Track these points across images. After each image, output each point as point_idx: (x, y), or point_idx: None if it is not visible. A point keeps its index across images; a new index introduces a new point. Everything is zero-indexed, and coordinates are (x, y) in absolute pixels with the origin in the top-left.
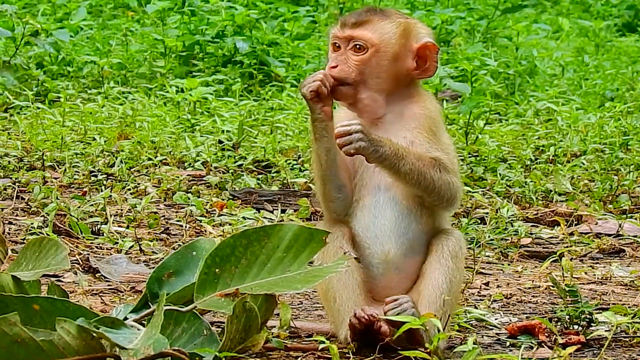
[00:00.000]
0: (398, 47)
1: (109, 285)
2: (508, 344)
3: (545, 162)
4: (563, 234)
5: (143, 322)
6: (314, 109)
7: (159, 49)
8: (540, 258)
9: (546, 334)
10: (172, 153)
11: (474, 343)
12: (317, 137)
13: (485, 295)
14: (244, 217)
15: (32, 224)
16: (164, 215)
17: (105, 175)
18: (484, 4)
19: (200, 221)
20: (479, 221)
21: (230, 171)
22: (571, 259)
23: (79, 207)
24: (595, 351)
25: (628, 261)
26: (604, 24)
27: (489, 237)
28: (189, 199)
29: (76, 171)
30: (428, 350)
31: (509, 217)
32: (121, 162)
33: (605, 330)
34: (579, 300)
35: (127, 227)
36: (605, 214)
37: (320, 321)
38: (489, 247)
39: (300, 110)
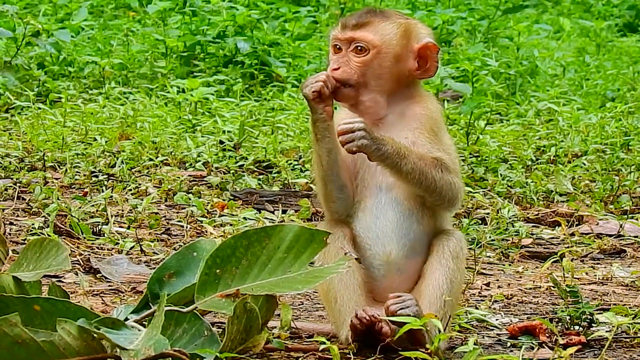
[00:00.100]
0: (399, 48)
1: (109, 285)
2: (509, 344)
3: (546, 162)
4: (564, 234)
5: (144, 322)
6: (315, 110)
7: (160, 49)
8: (541, 258)
9: (547, 335)
10: (173, 153)
11: (474, 344)
12: (318, 137)
13: (486, 296)
14: (245, 218)
15: (33, 224)
16: (164, 216)
17: (106, 176)
18: (485, 4)
19: (201, 222)
20: (480, 221)
21: (231, 172)
22: (572, 260)
23: (80, 207)
24: (596, 352)
25: (629, 262)
26: (605, 24)
27: (489, 237)
28: (190, 199)
29: (77, 172)
30: (429, 351)
31: (509, 218)
32: (122, 162)
33: (606, 331)
34: (580, 300)
35: (128, 228)
36: (606, 215)
37: (321, 322)
38: (489, 247)
39: (302, 110)
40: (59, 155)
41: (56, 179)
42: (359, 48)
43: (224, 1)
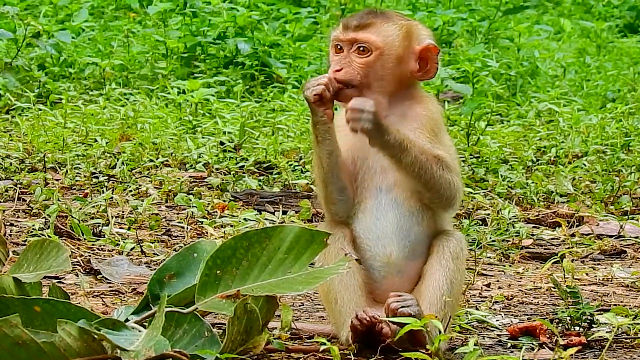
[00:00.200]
0: (402, 50)
1: (110, 286)
2: (509, 345)
3: (546, 163)
4: (564, 235)
5: (144, 323)
6: (316, 112)
7: (160, 50)
8: (542, 259)
9: (547, 335)
10: (173, 154)
11: (475, 344)
12: (319, 140)
13: (486, 297)
14: (245, 219)
15: (33, 225)
16: (165, 217)
17: (107, 177)
18: (486, 5)
19: (202, 223)
20: (481, 222)
21: (231, 173)
22: (572, 260)
23: (80, 208)
24: (596, 352)
25: (629, 262)
26: (605, 25)
27: (490, 238)
28: (190, 200)
29: (77, 173)
30: (429, 352)
31: (510, 219)
32: (122, 163)
33: (607, 332)
34: (580, 301)
35: (129, 229)
36: (607, 215)
37: (321, 322)
38: (490, 248)
39: (302, 111)
40: (60, 156)
41: (57, 180)
42: (361, 49)
43: (224, 2)
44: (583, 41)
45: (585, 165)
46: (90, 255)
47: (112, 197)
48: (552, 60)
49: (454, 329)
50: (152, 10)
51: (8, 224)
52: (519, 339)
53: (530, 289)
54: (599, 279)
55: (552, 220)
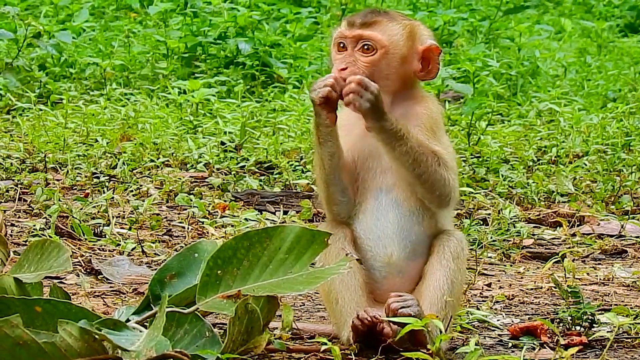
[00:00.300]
0: (406, 49)
1: (111, 287)
2: (510, 345)
3: (547, 163)
4: (565, 234)
5: (145, 324)
6: (320, 114)
7: (161, 50)
8: (543, 259)
9: (548, 335)
10: (174, 154)
11: (476, 344)
12: (321, 141)
13: (487, 297)
14: (246, 219)
15: (34, 225)
16: (166, 217)
17: (108, 177)
18: (486, 4)
19: (203, 223)
20: (481, 222)
21: (232, 173)
22: (573, 260)
23: (81, 208)
24: (597, 352)
25: (630, 262)
26: (606, 25)
27: (491, 238)
28: (191, 200)
29: (78, 173)
30: (430, 352)
31: (511, 218)
32: (123, 163)
33: (607, 331)
34: (581, 301)
35: (130, 229)
36: (608, 215)
37: (322, 323)
38: (491, 248)
39: (303, 111)
40: (60, 156)
41: (57, 180)
42: (366, 47)
43: (225, 2)
44: (584, 41)
45: (586, 165)
46: (91, 256)
47: (113, 197)
48: (552, 60)
49: (454, 329)
50: (153, 11)
51: (9, 224)
52: (520, 338)
53: (531, 289)
54: (600, 279)
55: (553, 220)
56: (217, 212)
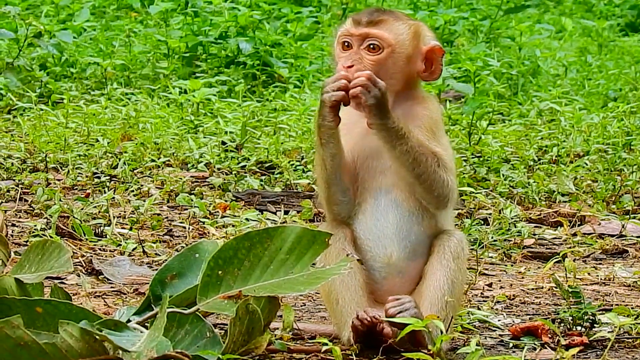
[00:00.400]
0: (411, 49)
1: (112, 287)
2: (511, 345)
3: (548, 162)
4: (566, 234)
5: (146, 324)
6: (325, 116)
7: (162, 50)
8: (543, 259)
9: (549, 335)
10: (175, 154)
11: (476, 344)
12: (323, 142)
13: (488, 297)
14: (247, 219)
15: (35, 226)
16: (167, 217)
17: (109, 177)
18: (487, 4)
19: (203, 223)
20: (482, 222)
21: (233, 172)
22: (574, 260)
23: (82, 209)
24: (598, 352)
25: (631, 262)
26: (607, 24)
27: (492, 238)
28: (192, 200)
29: (79, 173)
30: (431, 352)
31: (512, 218)
32: (124, 163)
33: (608, 332)
34: (582, 301)
35: (130, 229)
36: (608, 215)
37: (323, 323)
38: (492, 248)
39: (303, 111)
40: (61, 156)
41: (58, 180)
42: (372, 46)
43: (225, 2)
44: (584, 40)
45: (586, 164)
46: (92, 256)
47: (113, 197)
48: (553, 59)
49: (455, 329)
50: (154, 10)
51: (10, 224)
52: (521, 339)
53: (532, 289)
54: (601, 279)
55: (553, 220)
56: (218, 212)
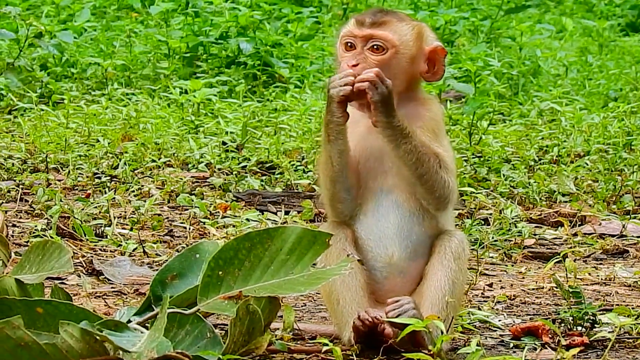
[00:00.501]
0: (415, 50)
1: (112, 287)
2: (512, 345)
3: (548, 162)
4: (567, 234)
5: (146, 324)
6: (334, 113)
7: (162, 50)
8: (544, 259)
9: (550, 336)
10: (175, 155)
11: (477, 344)
12: (331, 139)
13: (488, 297)
14: (247, 219)
15: (35, 226)
16: (167, 217)
17: (109, 177)
18: (488, 4)
19: (204, 223)
20: (483, 222)
21: (233, 173)
22: (575, 260)
23: (83, 209)
24: (598, 352)
25: (632, 262)
26: (607, 24)
27: (492, 238)
28: (192, 200)
29: (80, 173)
30: (432, 352)
31: (512, 218)
32: (125, 163)
33: (609, 332)
34: (583, 301)
35: (131, 229)
36: (609, 215)
37: (323, 323)
38: (492, 248)
39: (304, 111)
40: (62, 156)
41: (59, 180)
42: (376, 47)
43: (226, 2)
44: (585, 40)
45: (587, 164)
46: (92, 256)
47: (114, 198)
48: (554, 59)
49: (456, 329)
50: (154, 10)
51: (10, 224)
52: (522, 339)
53: (533, 289)
54: (602, 279)
55: (554, 220)
56: (218, 212)
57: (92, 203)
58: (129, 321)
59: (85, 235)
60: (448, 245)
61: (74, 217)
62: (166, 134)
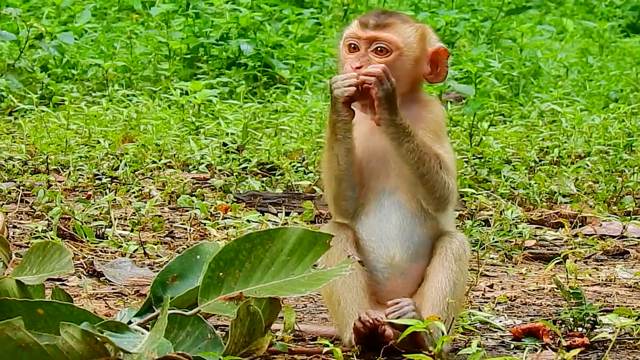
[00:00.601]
0: (418, 52)
1: (113, 289)
2: (512, 346)
3: (549, 163)
4: (567, 235)
5: (147, 326)
6: (340, 112)
7: (163, 51)
8: (545, 260)
9: (550, 336)
10: (176, 156)
11: (478, 346)
12: (338, 138)
13: (489, 298)
14: (248, 220)
15: (36, 227)
16: (168, 219)
17: (110, 179)
18: (488, 5)
19: (205, 224)
20: (483, 223)
21: (234, 174)
22: (575, 261)
23: (83, 210)
24: (599, 353)
25: (632, 263)
26: (608, 25)
27: (493, 239)
28: (193, 202)
29: (80, 174)
30: (432, 353)
31: (513, 219)
32: (125, 165)
33: (609, 333)
34: (583, 302)
35: (132, 231)
36: (610, 216)
37: (324, 324)
38: (493, 249)
39: (305, 112)
40: (63, 158)
41: (59, 181)
42: (380, 49)
43: (227, 3)
44: (585, 41)
45: (588, 165)
46: (93, 258)
47: (115, 199)
48: (554, 60)
49: (457, 330)
50: (155, 12)
51: (11, 226)
52: (522, 340)
53: (533, 290)
54: (602, 280)
55: (554, 221)
56: (219, 213)
57: (92, 204)
58: (130, 322)
59: (85, 237)
60: (449, 247)
61: (75, 219)
62: (167, 135)
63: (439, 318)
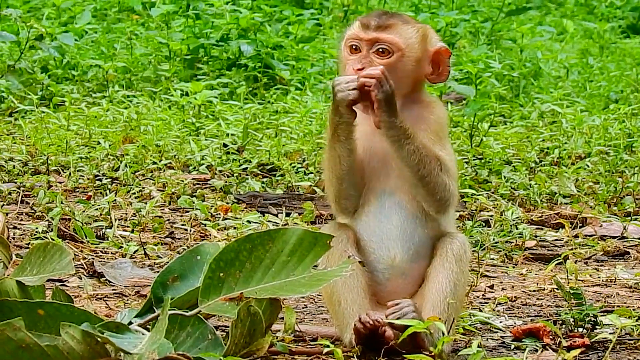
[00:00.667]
0: (420, 52)
1: (113, 289)
2: (513, 346)
3: (549, 164)
4: (567, 236)
5: (148, 326)
6: (344, 114)
7: (163, 52)
8: (545, 260)
9: (551, 337)
10: (176, 157)
11: (478, 346)
12: (340, 139)
13: (489, 298)
14: (248, 221)
15: (36, 228)
16: (168, 219)
17: (110, 179)
18: (488, 6)
19: (205, 225)
20: (484, 224)
21: (234, 175)
22: (576, 262)
23: (84, 211)
24: (599, 354)
25: (633, 263)
26: (608, 26)
27: (493, 239)
28: (193, 202)
29: (81, 175)
30: (433, 354)
31: (513, 220)
32: (126, 166)
33: (610, 333)
34: (584, 302)
35: (132, 231)
36: (610, 216)
37: (325, 325)
38: (493, 249)
39: (305, 113)
40: (63, 159)
41: (60, 182)
42: (382, 50)
43: (227, 4)
44: (586, 42)
45: (588, 166)
46: (93, 258)
47: (115, 200)
48: (555, 61)
49: (457, 331)
50: (155, 13)
51: (11, 226)
52: (523, 340)
53: (534, 291)
54: (603, 280)
55: (555, 222)
56: (219, 214)
57: (93, 205)
58: (130, 323)
59: (86, 238)
60: (450, 248)
61: (75, 219)
62: (167, 136)
63: (440, 319)
